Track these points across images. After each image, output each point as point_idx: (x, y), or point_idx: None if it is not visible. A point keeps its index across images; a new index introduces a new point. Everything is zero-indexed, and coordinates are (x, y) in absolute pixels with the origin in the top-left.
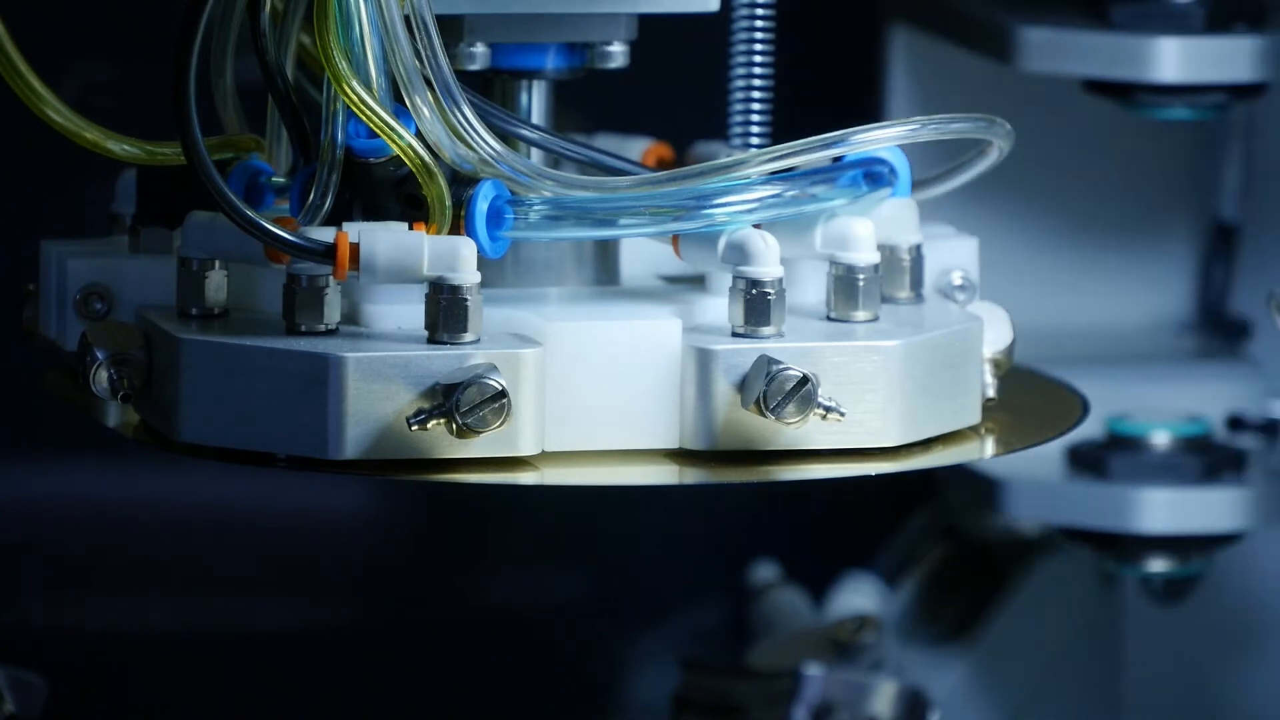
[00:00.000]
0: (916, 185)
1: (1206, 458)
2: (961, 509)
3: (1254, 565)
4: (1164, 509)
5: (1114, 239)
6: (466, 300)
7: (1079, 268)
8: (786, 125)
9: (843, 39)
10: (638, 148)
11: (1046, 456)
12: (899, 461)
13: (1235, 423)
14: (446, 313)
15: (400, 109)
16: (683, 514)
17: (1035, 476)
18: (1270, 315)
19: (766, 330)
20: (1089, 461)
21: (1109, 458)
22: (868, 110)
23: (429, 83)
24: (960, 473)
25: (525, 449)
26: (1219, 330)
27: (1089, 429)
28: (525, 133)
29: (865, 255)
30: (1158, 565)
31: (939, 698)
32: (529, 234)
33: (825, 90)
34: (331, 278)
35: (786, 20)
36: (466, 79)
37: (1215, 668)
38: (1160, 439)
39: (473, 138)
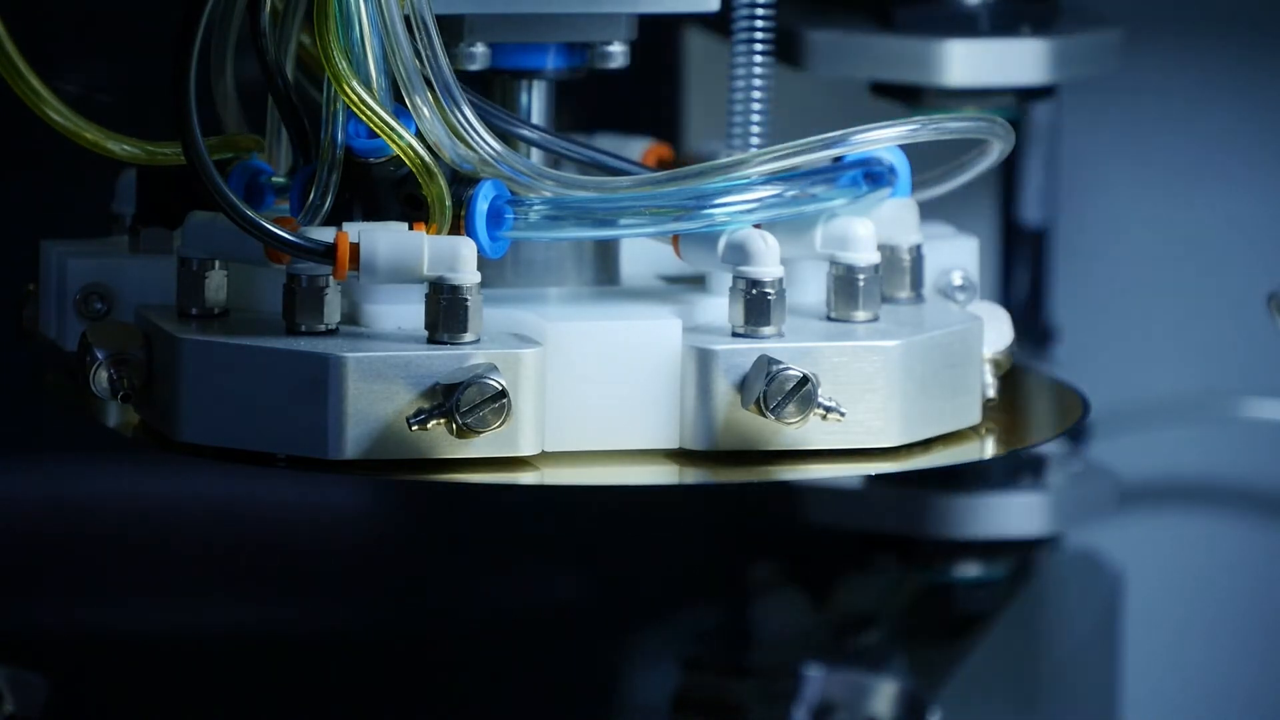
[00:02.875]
0: (916, 185)
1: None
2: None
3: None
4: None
5: None
6: (466, 300)
7: None
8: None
9: (638, 44)
10: (638, 148)
11: None
12: (899, 461)
13: None
14: (446, 313)
15: (400, 109)
16: (683, 514)
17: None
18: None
19: (766, 330)
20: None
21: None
22: (667, 116)
23: (429, 83)
24: None
25: (525, 449)
26: (1029, 336)
27: None
28: (525, 133)
29: (865, 255)
30: (965, 571)
31: (939, 698)
32: (529, 234)
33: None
34: (331, 278)
35: None
36: (466, 79)
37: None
38: None
39: (473, 138)
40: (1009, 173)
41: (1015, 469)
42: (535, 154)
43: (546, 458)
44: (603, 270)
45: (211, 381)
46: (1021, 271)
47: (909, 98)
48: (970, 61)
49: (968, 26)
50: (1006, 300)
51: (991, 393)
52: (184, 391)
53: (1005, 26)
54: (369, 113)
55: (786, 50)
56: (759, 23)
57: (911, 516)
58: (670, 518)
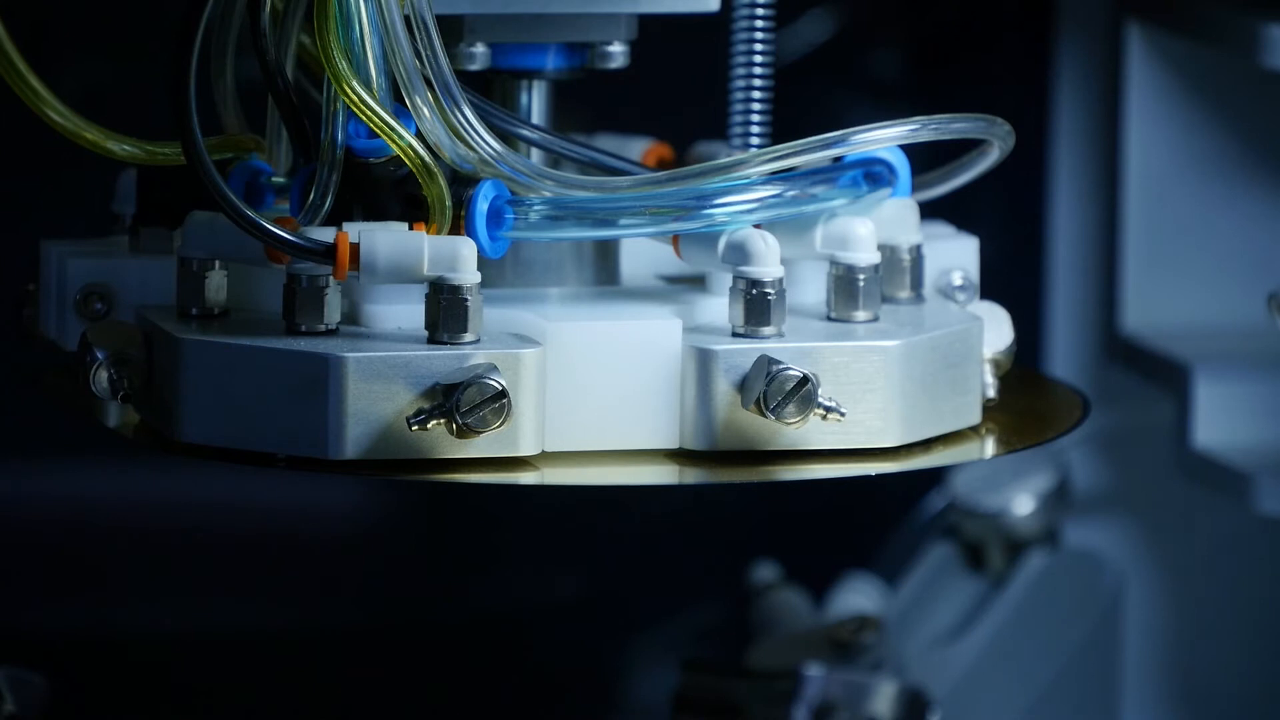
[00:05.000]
0: (916, 185)
1: None
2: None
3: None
4: None
5: None
6: (466, 300)
7: None
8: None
9: (1078, 36)
10: (638, 148)
11: None
12: (899, 461)
13: None
14: (446, 313)
15: (400, 109)
16: (683, 514)
17: None
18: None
19: (766, 330)
20: None
21: None
22: (1106, 108)
23: (429, 83)
24: None
25: (525, 449)
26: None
27: None
28: (525, 133)
29: (865, 255)
30: None
31: (939, 698)
32: (529, 234)
33: (1059, 88)
34: (331, 278)
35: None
36: (466, 79)
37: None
38: None
39: (473, 138)
40: None
41: None
42: (535, 154)
43: (546, 458)
44: (603, 270)
45: (211, 381)
46: None
47: None
48: None
49: None
50: None
51: (991, 393)
52: (184, 391)
53: None
54: (369, 113)
55: (1235, 42)
56: (759, 23)
57: None
58: (670, 518)
